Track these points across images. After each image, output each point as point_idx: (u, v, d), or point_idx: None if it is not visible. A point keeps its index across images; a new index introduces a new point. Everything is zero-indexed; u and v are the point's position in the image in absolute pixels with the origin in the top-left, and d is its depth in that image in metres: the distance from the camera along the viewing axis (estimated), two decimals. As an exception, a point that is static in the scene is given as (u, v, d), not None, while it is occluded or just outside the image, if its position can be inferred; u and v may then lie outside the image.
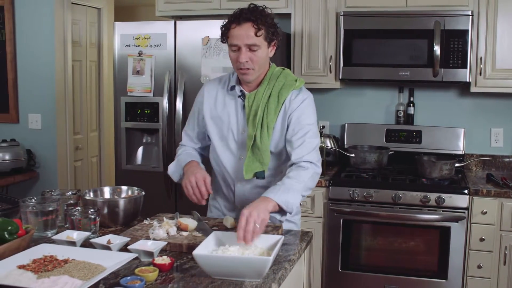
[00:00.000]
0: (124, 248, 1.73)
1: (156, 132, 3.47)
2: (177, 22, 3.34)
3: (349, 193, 3.14)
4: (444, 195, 3.01)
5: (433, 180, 3.18)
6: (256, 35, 1.99)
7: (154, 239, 1.81)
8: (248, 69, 2.03)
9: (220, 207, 2.29)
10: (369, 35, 3.29)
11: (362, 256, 3.21)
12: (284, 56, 3.50)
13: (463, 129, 3.55)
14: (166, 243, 1.75)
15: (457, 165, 3.24)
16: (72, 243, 1.76)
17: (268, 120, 2.06)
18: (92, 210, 1.94)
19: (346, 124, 3.74)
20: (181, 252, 1.78)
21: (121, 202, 2.05)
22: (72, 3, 4.24)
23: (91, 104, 4.86)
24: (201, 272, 1.57)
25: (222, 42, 2.09)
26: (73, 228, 1.89)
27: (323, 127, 3.56)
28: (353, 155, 3.44)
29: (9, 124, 4.12)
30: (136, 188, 2.23)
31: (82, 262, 1.55)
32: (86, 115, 4.77)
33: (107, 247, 1.70)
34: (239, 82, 2.15)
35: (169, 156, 3.34)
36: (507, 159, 3.57)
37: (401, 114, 3.68)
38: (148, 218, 2.09)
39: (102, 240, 1.75)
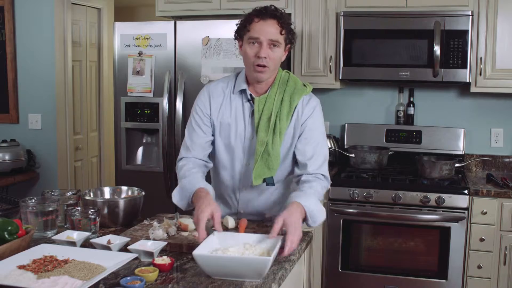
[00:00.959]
0: (124, 248, 1.73)
1: (156, 132, 3.47)
2: (177, 22, 3.35)
3: (349, 193, 3.14)
4: (444, 195, 3.01)
5: (433, 180, 3.17)
6: (280, 33, 1.97)
7: (154, 239, 1.81)
8: (264, 66, 1.97)
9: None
10: (369, 35, 3.29)
11: (362, 256, 3.21)
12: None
13: (463, 129, 3.55)
14: (166, 243, 1.75)
15: (457, 165, 3.24)
16: (72, 243, 1.76)
17: (281, 125, 2.02)
18: (92, 210, 1.93)
19: (346, 124, 3.73)
20: (181, 252, 1.78)
21: (121, 202, 2.05)
22: (72, 3, 4.23)
23: (91, 104, 4.86)
24: (201, 272, 1.57)
25: (235, 38, 2.04)
26: (73, 228, 1.89)
27: (323, 127, 3.56)
28: (353, 155, 3.44)
29: (9, 124, 4.12)
30: (136, 188, 2.23)
31: (82, 262, 1.55)
32: (86, 115, 4.77)
33: (107, 247, 1.70)
34: (247, 85, 2.09)
35: (169, 156, 3.34)
36: (507, 159, 3.57)
37: (401, 114, 3.68)
38: (148, 218, 2.09)
39: (102, 240, 1.75)
